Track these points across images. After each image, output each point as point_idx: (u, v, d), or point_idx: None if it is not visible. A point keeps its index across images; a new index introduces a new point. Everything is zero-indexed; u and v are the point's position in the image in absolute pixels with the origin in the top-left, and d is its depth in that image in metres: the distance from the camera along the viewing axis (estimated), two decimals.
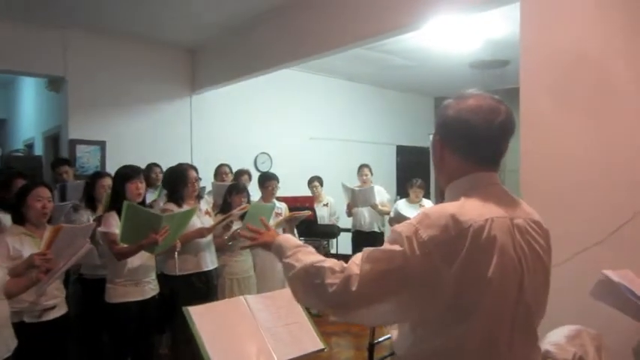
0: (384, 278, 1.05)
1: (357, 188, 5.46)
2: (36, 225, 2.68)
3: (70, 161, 4.79)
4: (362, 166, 5.75)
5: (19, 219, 2.67)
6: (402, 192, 5.88)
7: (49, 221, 2.77)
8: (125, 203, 2.81)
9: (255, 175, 5.39)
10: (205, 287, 3.46)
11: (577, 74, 2.45)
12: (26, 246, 2.56)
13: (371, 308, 1.07)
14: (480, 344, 1.06)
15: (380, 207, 5.51)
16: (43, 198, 2.66)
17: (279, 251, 1.31)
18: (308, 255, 1.22)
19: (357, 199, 5.43)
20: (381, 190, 5.65)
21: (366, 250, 1.10)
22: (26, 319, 2.51)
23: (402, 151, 8.61)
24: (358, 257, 1.10)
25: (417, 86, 8.23)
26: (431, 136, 1.29)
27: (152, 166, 4.73)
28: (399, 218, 5.20)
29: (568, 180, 2.46)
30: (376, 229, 5.62)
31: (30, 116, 7.49)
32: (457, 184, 1.17)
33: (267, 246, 1.40)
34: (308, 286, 1.16)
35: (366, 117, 7.96)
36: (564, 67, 2.49)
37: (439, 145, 1.20)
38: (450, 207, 1.09)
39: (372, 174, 5.72)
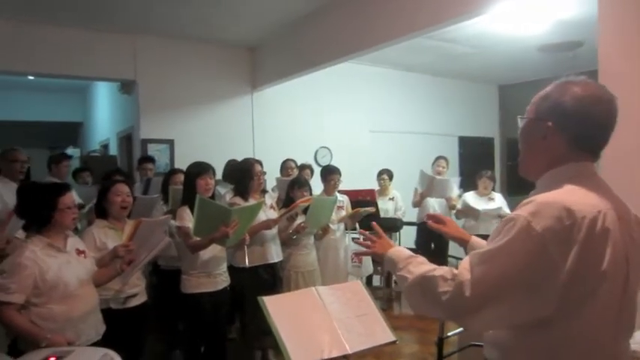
0: (496, 280, 1.03)
1: (438, 177, 5.28)
2: (117, 219, 2.88)
3: (153, 159, 5.10)
4: (439, 158, 5.56)
5: (102, 213, 2.87)
6: (465, 184, 5.70)
7: (129, 215, 2.95)
8: (197, 197, 2.92)
9: (316, 170, 5.46)
10: (271, 279, 3.56)
11: None
12: (110, 238, 2.77)
13: (487, 312, 1.06)
14: (586, 339, 1.03)
15: (452, 201, 5.35)
16: (122, 193, 2.86)
17: (391, 264, 1.33)
18: (419, 266, 1.22)
19: (434, 188, 5.25)
20: (455, 182, 5.49)
21: (475, 253, 1.10)
22: (112, 306, 2.70)
23: (465, 143, 8.35)
24: (467, 262, 1.09)
25: (479, 74, 7.95)
26: (520, 120, 1.24)
27: (230, 162, 4.91)
28: (467, 211, 5.07)
29: None
30: None
31: (105, 118, 7.98)
32: (560, 170, 1.14)
33: (379, 257, 1.41)
34: (422, 297, 1.17)
35: (427, 108, 7.80)
36: None
37: (549, 131, 1.15)
38: (559, 196, 1.05)
39: (448, 167, 5.56)
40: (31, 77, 6.85)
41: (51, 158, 4.92)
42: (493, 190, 5.20)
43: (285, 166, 5.00)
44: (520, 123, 1.24)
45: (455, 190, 5.39)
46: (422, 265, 1.22)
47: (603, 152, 1.18)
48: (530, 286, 1.02)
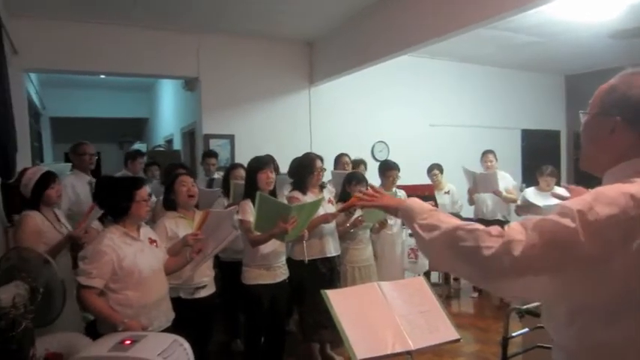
0: (551, 249, 0.98)
1: (478, 172, 5.24)
2: (186, 208, 3.01)
3: (216, 154, 5.30)
4: (486, 152, 5.50)
5: (171, 205, 3.01)
6: (528, 179, 5.49)
7: (197, 206, 3.09)
8: (258, 194, 2.99)
9: (371, 164, 5.44)
10: (329, 273, 3.58)
11: None
12: (181, 227, 2.91)
13: (527, 279, 1.00)
14: None
15: (505, 194, 5.22)
16: (187, 183, 2.99)
17: (410, 214, 1.21)
18: (451, 217, 1.15)
19: (478, 183, 5.21)
20: (506, 176, 5.36)
21: (533, 217, 1.03)
22: (182, 295, 2.83)
23: (528, 136, 8.02)
24: (518, 225, 1.03)
25: (545, 64, 7.59)
26: (583, 115, 1.19)
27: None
28: (528, 207, 4.89)
29: None
30: (500, 218, 5.33)
31: (169, 114, 8.34)
32: (628, 165, 1.09)
33: (392, 209, 1.32)
34: (455, 250, 1.08)
35: (488, 100, 7.55)
36: None
37: (617, 125, 1.10)
38: (628, 187, 1.00)
39: (496, 160, 5.44)
40: (102, 76, 7.28)
41: (127, 155, 5.30)
42: (557, 185, 4.97)
43: (339, 161, 5.00)
44: (583, 118, 1.19)
45: (508, 182, 5.32)
46: (455, 218, 1.14)
47: None
48: (581, 269, 0.97)
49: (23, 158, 4.25)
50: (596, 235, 0.95)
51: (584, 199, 1.00)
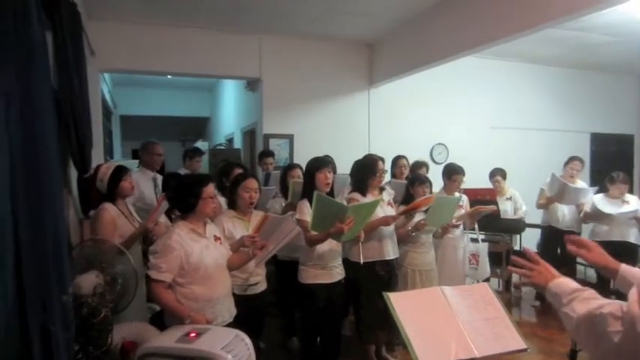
0: None
1: (571, 185, 4.86)
2: (244, 211, 3.08)
3: (273, 153, 5.39)
4: (573, 159, 5.10)
5: (232, 204, 3.10)
6: (596, 184, 5.17)
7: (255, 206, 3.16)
8: (315, 194, 3.00)
9: (431, 167, 5.34)
10: (387, 275, 3.55)
11: None
12: (237, 228, 2.98)
13: None
14: None
15: (584, 206, 4.88)
16: (250, 189, 3.03)
17: (555, 299, 1.25)
18: (584, 302, 1.14)
19: (566, 196, 4.85)
20: (591, 192, 4.94)
21: None
22: (236, 292, 2.89)
23: (598, 140, 7.61)
24: (635, 293, 1.01)
25: (618, 65, 7.17)
26: None
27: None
28: (596, 215, 4.65)
29: None
30: (574, 229, 4.99)
31: (230, 114, 8.58)
32: None
33: (541, 288, 1.34)
34: (591, 337, 1.09)
35: (555, 102, 7.24)
36: None
37: None
38: None
39: (583, 167, 5.11)
40: (169, 76, 7.61)
41: (186, 153, 5.39)
42: (630, 192, 4.68)
43: (397, 164, 4.94)
44: None
45: (588, 198, 4.88)
46: (588, 301, 1.13)
47: None
48: None
49: (97, 154, 4.50)
50: None
51: None
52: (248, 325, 2.70)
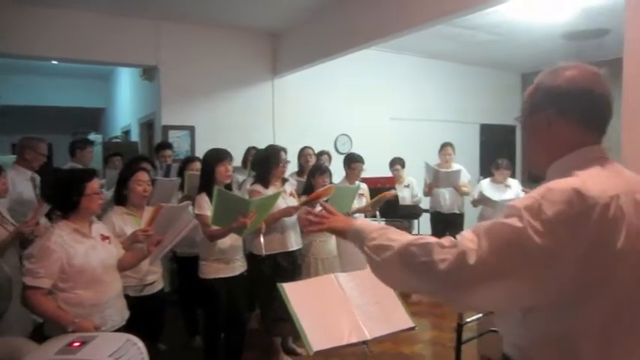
0: (504, 254, 0.99)
1: (442, 170, 5.30)
2: (136, 206, 2.91)
3: (171, 145, 5.16)
4: (445, 145, 5.55)
5: (122, 200, 2.90)
6: (485, 172, 5.66)
7: (148, 202, 2.99)
8: (215, 189, 2.94)
9: (334, 157, 5.46)
10: (291, 267, 3.57)
11: None
12: (129, 224, 2.81)
13: (487, 288, 1.00)
14: (601, 325, 1.01)
15: (462, 188, 5.36)
16: (143, 182, 2.88)
17: (360, 236, 1.21)
18: (401, 234, 1.14)
19: (441, 180, 5.29)
20: (462, 170, 5.49)
21: (483, 224, 1.04)
22: (130, 293, 2.71)
23: (487, 130, 8.27)
24: (470, 233, 1.04)
25: (502, 62, 7.82)
26: (518, 120, 1.23)
27: (250, 150, 4.96)
28: (483, 200, 5.04)
29: None
30: (456, 211, 5.46)
31: (126, 104, 8.09)
32: (569, 158, 1.11)
33: (340, 232, 1.32)
34: (410, 267, 1.07)
35: (449, 95, 7.72)
36: None
37: (552, 118, 1.13)
38: (572, 182, 1.03)
39: (454, 153, 5.56)
40: (54, 62, 6.96)
41: (75, 144, 4.94)
42: (512, 177, 5.15)
43: (302, 154, 5.00)
44: (519, 123, 1.22)
45: (464, 177, 5.39)
46: (403, 234, 1.13)
47: (622, 145, 1.16)
48: (536, 268, 0.98)
49: None
50: (545, 233, 0.97)
51: (532, 196, 1.02)
52: (145, 328, 2.58)
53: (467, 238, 1.03)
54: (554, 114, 1.13)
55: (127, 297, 2.67)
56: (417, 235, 1.19)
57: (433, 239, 1.06)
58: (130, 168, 3.06)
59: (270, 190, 3.46)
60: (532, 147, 1.22)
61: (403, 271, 1.09)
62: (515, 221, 0.99)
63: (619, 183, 1.06)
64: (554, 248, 0.97)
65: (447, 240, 1.05)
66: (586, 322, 1.01)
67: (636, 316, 1.04)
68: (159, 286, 2.99)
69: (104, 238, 2.44)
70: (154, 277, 2.93)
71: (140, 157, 4.11)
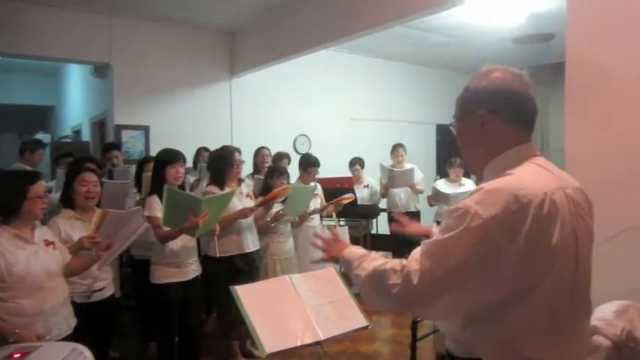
0: (444, 269, 1.03)
1: (396, 169, 5.40)
2: (84, 209, 2.77)
3: (119, 146, 4.97)
4: (396, 146, 5.66)
5: (69, 203, 2.77)
6: (442, 171, 5.79)
7: (98, 205, 2.87)
8: (165, 188, 2.86)
9: (293, 157, 5.44)
10: (248, 268, 3.52)
11: (629, 48, 2.33)
12: (76, 229, 2.67)
13: (437, 301, 1.07)
14: (541, 321, 1.05)
15: (416, 186, 5.47)
16: (88, 183, 2.74)
17: (347, 265, 1.33)
18: (371, 262, 1.23)
19: (396, 180, 5.38)
20: (415, 169, 5.59)
21: (425, 243, 1.10)
22: (77, 300, 2.59)
23: (442, 130, 8.44)
24: (417, 252, 1.10)
25: (457, 64, 7.98)
26: (453, 127, 1.27)
27: (201, 150, 4.87)
28: (438, 197, 5.16)
29: (615, 157, 2.37)
30: (412, 209, 5.54)
31: (77, 103, 7.78)
32: (504, 157, 1.15)
33: (336, 260, 1.42)
34: (375, 291, 1.18)
35: (406, 96, 7.85)
36: (614, 40, 2.38)
37: (484, 118, 1.16)
38: (505, 183, 1.06)
39: (406, 153, 5.65)
40: None
41: (25, 145, 4.74)
42: (465, 176, 5.30)
43: (259, 154, 4.95)
44: (454, 129, 1.26)
45: (418, 175, 5.50)
46: (374, 261, 1.22)
47: (566, 144, 1.21)
48: (478, 274, 1.02)
49: None
50: (484, 237, 1.00)
51: (467, 204, 1.05)
52: (94, 336, 2.48)
53: (413, 258, 1.10)
54: (485, 114, 1.16)
55: (74, 304, 2.56)
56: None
57: (391, 264, 1.14)
58: (74, 168, 2.93)
59: (225, 192, 3.41)
60: (468, 151, 1.25)
61: (372, 295, 1.20)
62: (453, 233, 1.03)
63: (552, 179, 1.10)
64: (492, 251, 1.00)
65: (399, 264, 1.12)
66: (525, 317, 1.04)
67: (572, 310, 1.08)
68: (109, 291, 2.87)
69: (48, 243, 2.32)
70: (103, 282, 2.80)
71: (85, 157, 3.93)
